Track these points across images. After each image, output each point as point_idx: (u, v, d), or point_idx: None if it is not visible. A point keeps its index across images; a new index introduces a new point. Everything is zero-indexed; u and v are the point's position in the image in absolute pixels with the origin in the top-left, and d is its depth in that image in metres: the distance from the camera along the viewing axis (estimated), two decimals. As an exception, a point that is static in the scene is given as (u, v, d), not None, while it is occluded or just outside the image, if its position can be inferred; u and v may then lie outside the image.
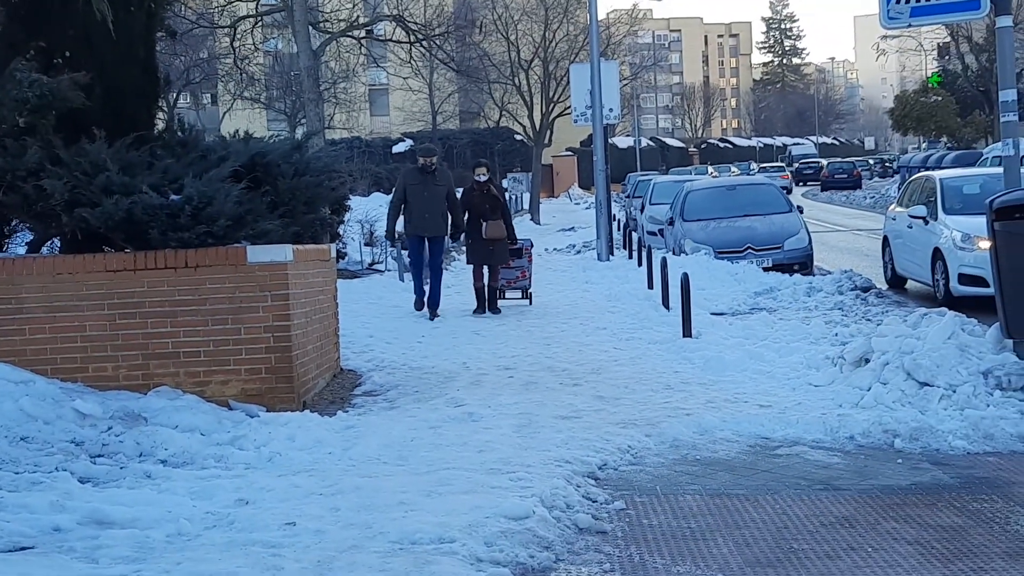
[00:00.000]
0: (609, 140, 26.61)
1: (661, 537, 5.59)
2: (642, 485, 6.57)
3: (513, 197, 49.81)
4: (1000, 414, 7.69)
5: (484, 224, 14.44)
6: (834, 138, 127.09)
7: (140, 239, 8.32)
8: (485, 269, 14.65)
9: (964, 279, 13.68)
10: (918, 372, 8.33)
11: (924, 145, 67.66)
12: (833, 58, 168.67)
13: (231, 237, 8.43)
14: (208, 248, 8.29)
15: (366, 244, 20.24)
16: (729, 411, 8.24)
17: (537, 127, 44.60)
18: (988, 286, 11.02)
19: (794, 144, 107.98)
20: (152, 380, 8.24)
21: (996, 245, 8.48)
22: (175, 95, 36.45)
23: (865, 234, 28.29)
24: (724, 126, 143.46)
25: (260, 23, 30.54)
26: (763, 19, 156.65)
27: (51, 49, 8.81)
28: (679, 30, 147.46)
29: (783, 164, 79.42)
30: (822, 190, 61.55)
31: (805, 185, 68.15)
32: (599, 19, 24.84)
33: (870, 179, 70.22)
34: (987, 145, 43.34)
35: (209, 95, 52.82)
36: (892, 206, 18.28)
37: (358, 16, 30.99)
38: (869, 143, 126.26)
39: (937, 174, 16.93)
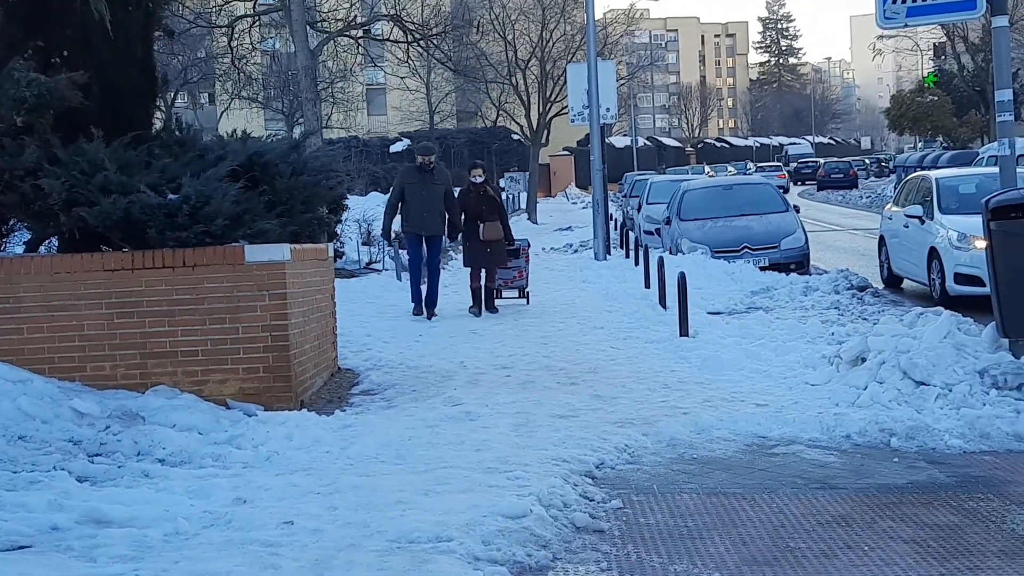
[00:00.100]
0: (606, 140, 26.59)
1: (658, 536, 5.60)
2: (639, 484, 6.59)
3: (510, 197, 49.82)
4: (996, 413, 7.71)
5: (481, 225, 14.43)
6: (830, 138, 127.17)
7: (138, 238, 8.33)
8: (482, 270, 14.65)
9: (960, 278, 13.70)
10: (914, 371, 8.34)
11: (920, 145, 67.69)
12: (829, 58, 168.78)
13: (229, 236, 8.44)
14: (206, 247, 8.30)
15: (364, 243, 20.26)
16: (726, 410, 8.25)
17: (534, 127, 44.60)
18: (984, 285, 11.03)
19: (790, 144, 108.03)
20: (150, 379, 8.24)
21: (992, 244, 8.50)
22: (173, 94, 36.45)
23: (861, 233, 28.31)
24: (721, 126, 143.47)
25: (258, 23, 30.53)
26: (759, 19, 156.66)
27: (49, 48, 8.81)
28: (676, 30, 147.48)
29: (780, 163, 79.50)
30: (818, 189, 61.61)
31: (803, 184, 68.20)
32: (596, 19, 24.86)
33: (866, 179, 70.30)
34: (983, 145, 43.33)
35: (207, 95, 52.80)
36: (888, 206, 18.30)
37: (355, 16, 30.95)
38: (865, 143, 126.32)
39: (933, 174, 16.95)
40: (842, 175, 62.73)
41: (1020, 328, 8.42)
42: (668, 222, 20.36)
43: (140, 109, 9.44)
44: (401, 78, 44.04)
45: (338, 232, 13.70)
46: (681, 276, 11.93)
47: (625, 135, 73.33)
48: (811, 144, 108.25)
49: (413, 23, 29.30)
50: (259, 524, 5.54)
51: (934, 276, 14.44)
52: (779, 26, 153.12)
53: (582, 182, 66.81)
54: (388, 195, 15.29)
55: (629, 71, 62.00)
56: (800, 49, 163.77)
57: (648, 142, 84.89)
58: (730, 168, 70.03)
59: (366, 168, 43.66)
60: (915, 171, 24.18)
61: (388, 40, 31.24)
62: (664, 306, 13.72)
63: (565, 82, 31.91)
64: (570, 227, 36.71)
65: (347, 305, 12.74)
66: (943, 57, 61.87)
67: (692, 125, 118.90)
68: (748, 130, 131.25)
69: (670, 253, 18.44)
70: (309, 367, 9.11)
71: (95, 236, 8.67)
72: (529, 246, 15.78)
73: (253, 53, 34.05)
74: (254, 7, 27.91)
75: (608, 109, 24.57)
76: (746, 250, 17.93)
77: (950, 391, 8.10)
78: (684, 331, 11.62)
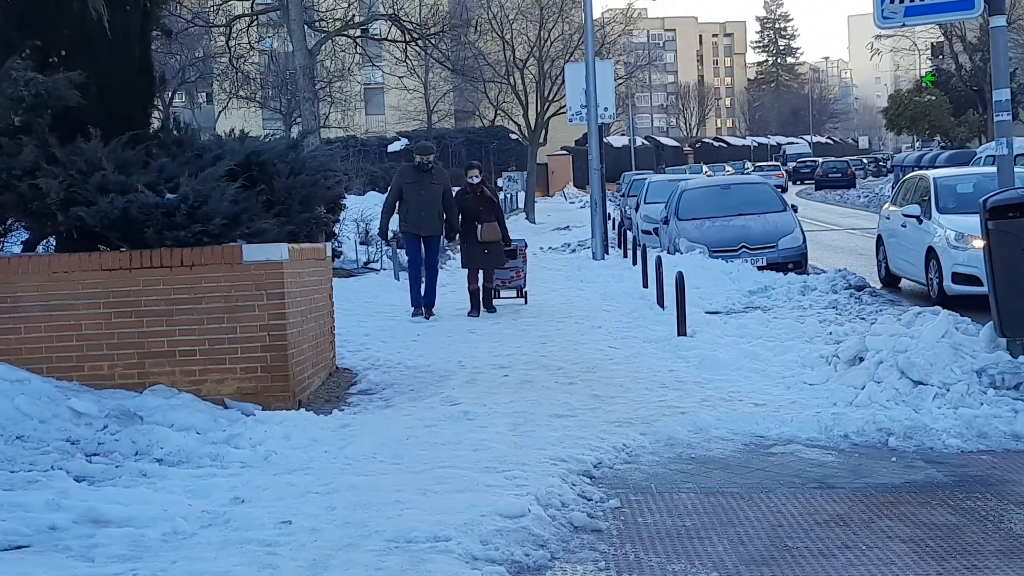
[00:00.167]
0: (604, 139, 26.61)
1: (656, 535, 5.60)
2: (637, 483, 6.59)
3: (508, 196, 49.82)
4: (993, 412, 7.72)
5: (479, 226, 14.37)
6: (828, 137, 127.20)
7: (136, 238, 8.32)
8: (480, 271, 14.62)
9: (958, 278, 13.71)
10: (912, 371, 8.35)
11: (918, 144, 67.70)
12: (827, 57, 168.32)
13: (227, 236, 8.43)
14: (204, 247, 8.30)
15: (362, 243, 20.24)
16: (724, 410, 8.25)
17: (532, 126, 44.60)
18: (982, 285, 11.04)
19: (788, 143, 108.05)
20: (148, 379, 8.24)
21: (990, 244, 8.50)
22: (171, 94, 36.42)
23: (859, 233, 28.32)
24: (719, 125, 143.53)
25: (256, 22, 30.53)
26: (757, 18, 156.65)
27: (47, 48, 8.80)
28: (674, 29, 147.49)
29: (778, 163, 79.56)
30: (816, 189, 61.66)
31: (802, 184, 68.29)
32: (594, 18, 24.89)
33: (864, 178, 70.33)
34: (981, 144, 43.36)
35: (204, 94, 52.75)
36: (886, 205, 18.31)
37: (353, 15, 30.94)
38: (863, 142, 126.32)
39: (931, 173, 16.96)
40: (840, 175, 62.78)
41: (1018, 327, 8.42)
42: (666, 221, 20.37)
43: (138, 108, 9.44)
44: (399, 77, 44.08)
45: (336, 232, 13.71)
46: (679, 275, 11.93)
47: (623, 135, 73.31)
48: (809, 144, 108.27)
49: (411, 23, 29.31)
50: (257, 524, 5.54)
51: (932, 275, 14.45)
52: (777, 26, 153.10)
53: (580, 181, 66.81)
54: (386, 194, 15.25)
55: (627, 71, 62.02)
56: (798, 49, 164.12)
57: (646, 142, 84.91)
58: (728, 168, 70.06)
59: (364, 167, 43.66)
60: (913, 171, 24.19)
61: (386, 40, 31.24)
62: (662, 306, 13.72)
63: (563, 82, 31.93)
64: (568, 227, 36.71)
65: (345, 305, 12.73)
66: (941, 57, 61.86)
67: (690, 125, 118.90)
68: (746, 130, 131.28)
69: (668, 252, 18.45)
70: (307, 367, 9.11)
71: (93, 236, 8.66)
72: (526, 246, 15.74)
73: (251, 52, 34.05)
74: (252, 6, 27.92)
75: (606, 109, 24.56)
76: (744, 250, 17.94)
77: (948, 391, 8.11)
78: (682, 331, 11.62)
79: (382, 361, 10.79)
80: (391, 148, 62.29)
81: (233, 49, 28.78)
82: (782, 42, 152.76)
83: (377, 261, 19.63)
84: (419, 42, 28.94)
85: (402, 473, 6.55)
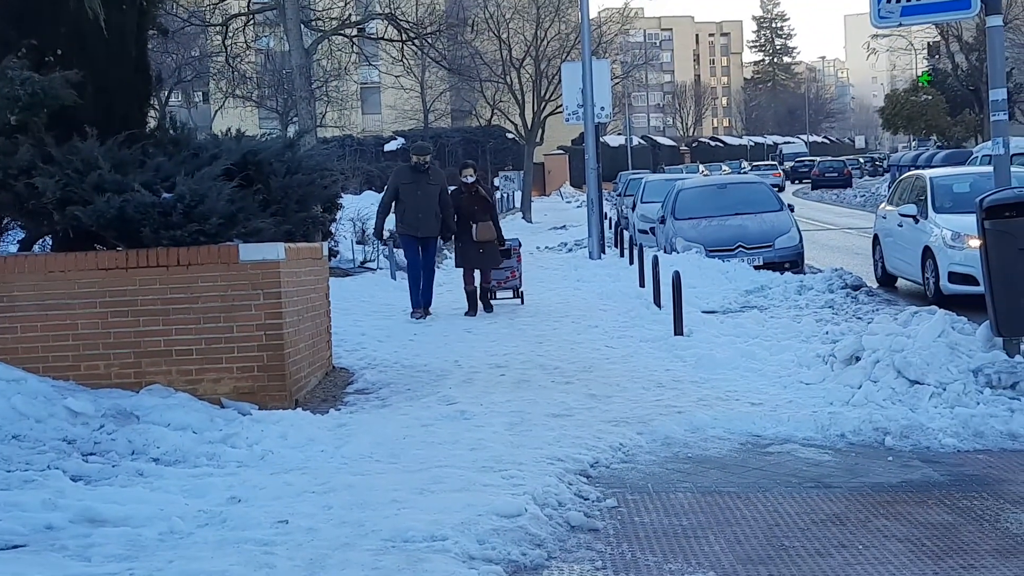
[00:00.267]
0: (600, 138, 26.61)
1: (653, 535, 5.60)
2: (634, 483, 6.59)
3: (505, 196, 49.84)
4: (990, 412, 7.72)
5: (474, 226, 14.33)
6: (825, 137, 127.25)
7: (132, 237, 8.32)
8: (476, 271, 14.60)
9: (954, 277, 13.72)
10: (908, 370, 8.35)
11: (914, 144, 67.77)
12: (824, 57, 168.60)
13: (223, 235, 8.43)
14: (200, 246, 8.29)
15: (358, 242, 20.23)
16: (720, 409, 8.25)
17: (529, 125, 44.62)
18: (978, 284, 11.03)
19: (785, 143, 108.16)
20: (144, 378, 8.24)
21: (986, 243, 8.50)
22: (167, 93, 36.41)
23: (856, 232, 28.34)
24: (715, 125, 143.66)
25: (252, 21, 30.51)
26: (754, 18, 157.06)
27: (43, 47, 8.79)
28: (670, 29, 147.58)
29: (775, 162, 79.65)
30: (813, 188, 61.74)
31: (801, 183, 68.38)
32: (591, 18, 24.88)
33: (860, 178, 70.41)
34: (977, 144, 43.39)
35: (201, 93, 52.73)
36: (882, 205, 18.33)
37: (350, 14, 30.95)
38: (859, 142, 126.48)
39: (927, 173, 16.97)
40: (836, 174, 62.86)
41: (1014, 327, 8.44)
42: (663, 221, 20.37)
43: (134, 108, 9.43)
44: (396, 77, 44.04)
45: (333, 231, 13.70)
46: (676, 275, 11.93)
47: (620, 134, 73.35)
48: (805, 143, 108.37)
49: (408, 22, 29.31)
50: (254, 523, 5.54)
51: (928, 275, 14.46)
52: (773, 25, 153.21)
53: (576, 181, 66.87)
54: (382, 193, 15.22)
55: (624, 70, 62.16)
56: (794, 48, 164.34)
57: (643, 141, 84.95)
58: (724, 167, 70.12)
59: (361, 167, 43.62)
60: (909, 170, 24.20)
61: (383, 39, 31.25)
62: (659, 305, 13.73)
63: (559, 81, 31.88)
64: (565, 226, 36.70)
65: (341, 304, 12.73)
66: (937, 56, 61.94)
67: (687, 124, 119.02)
68: (742, 129, 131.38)
69: (665, 252, 18.45)
70: (304, 366, 9.10)
71: (89, 235, 8.66)
72: (520, 245, 15.69)
73: (247, 52, 34.00)
74: (248, 6, 27.93)
75: (603, 108, 24.55)
76: (740, 249, 17.94)
77: (944, 390, 8.11)
78: (679, 330, 11.63)
79: (379, 360, 10.78)
80: (387, 147, 62.28)
81: (229, 48, 28.77)
82: (779, 42, 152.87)
83: (374, 260, 19.62)
84: (415, 41, 28.95)
85: (399, 472, 6.54)
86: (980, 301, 9.11)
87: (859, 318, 12.69)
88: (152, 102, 10.16)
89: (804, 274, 17.07)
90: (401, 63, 32.11)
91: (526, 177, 46.91)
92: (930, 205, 14.96)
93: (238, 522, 5.57)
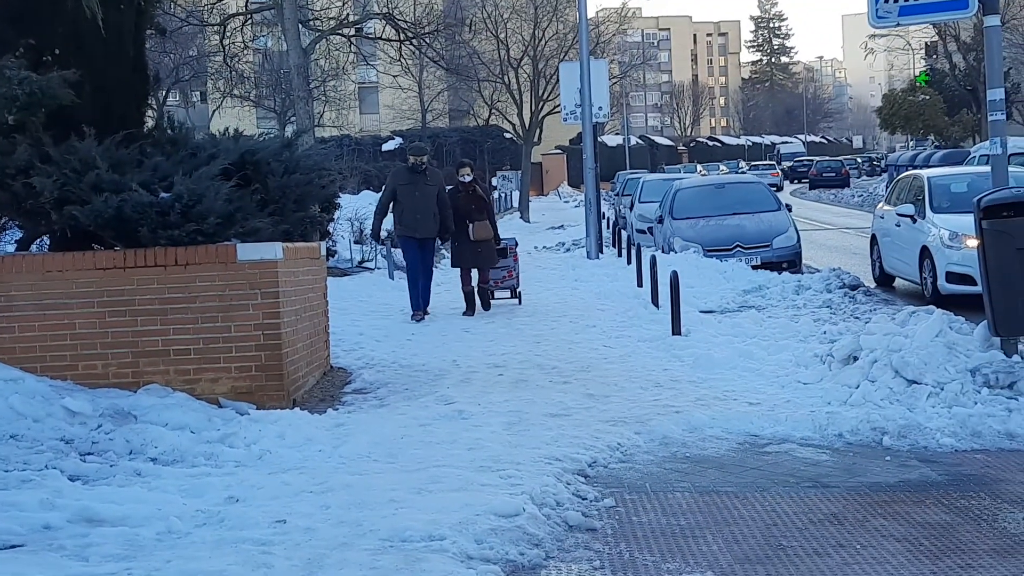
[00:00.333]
0: (598, 138, 26.62)
1: (651, 534, 5.61)
2: (632, 482, 6.59)
3: (503, 195, 49.84)
4: (987, 411, 7.73)
5: (470, 225, 14.30)
6: (822, 136, 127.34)
7: (130, 237, 8.31)
8: (474, 271, 14.57)
9: (952, 277, 13.73)
10: (906, 370, 8.36)
11: (912, 144, 67.82)
12: (821, 57, 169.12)
13: (221, 235, 8.42)
14: (198, 246, 8.29)
15: (356, 242, 20.21)
16: (718, 409, 8.26)
17: (527, 125, 44.61)
18: (976, 284, 11.06)
19: (782, 143, 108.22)
20: (142, 378, 8.23)
21: (984, 243, 8.51)
22: (164, 93, 36.41)
23: (853, 232, 28.35)
24: (713, 124, 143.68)
25: (250, 21, 30.50)
26: (752, 18, 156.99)
27: (40, 47, 8.79)
28: (668, 29, 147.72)
29: (773, 162, 79.74)
30: (810, 188, 61.78)
31: (799, 183, 68.45)
32: (588, 17, 24.87)
33: (858, 177, 70.46)
34: (974, 144, 43.44)
35: (198, 93, 52.73)
36: (880, 204, 18.33)
37: (348, 14, 30.97)
38: (857, 142, 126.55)
39: (925, 172, 16.98)
40: (834, 174, 62.91)
41: (1012, 327, 8.44)
42: (660, 221, 20.37)
43: (132, 107, 9.42)
44: (393, 76, 44.01)
45: (330, 231, 13.69)
46: (673, 275, 11.93)
47: (617, 134, 73.38)
48: (803, 143, 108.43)
49: (405, 22, 29.31)
50: (252, 523, 5.54)
51: (926, 275, 14.46)
52: (771, 25, 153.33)
53: (574, 180, 66.89)
54: (379, 195, 15.19)
55: (621, 70, 62.16)
56: (792, 48, 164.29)
57: (640, 141, 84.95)
58: (722, 167, 70.17)
59: (358, 167, 43.60)
60: (907, 170, 24.21)
61: (380, 39, 31.27)
62: (656, 305, 13.72)
63: (557, 81, 31.87)
64: (562, 226, 36.69)
65: (339, 304, 12.72)
66: (935, 56, 61.99)
67: (684, 124, 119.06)
68: (740, 129, 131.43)
69: (662, 252, 18.45)
70: (301, 366, 9.10)
71: (87, 235, 8.65)
72: (517, 244, 15.62)
73: (245, 51, 34.00)
74: (246, 5, 27.93)
75: (600, 108, 24.55)
76: (738, 249, 17.94)
77: (942, 390, 8.12)
78: (676, 330, 11.63)
79: (376, 360, 10.78)
80: (385, 147, 62.24)
81: (227, 48, 28.78)
82: (776, 41, 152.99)
83: (371, 260, 19.61)
84: (413, 41, 28.95)
85: (397, 472, 6.54)
86: (978, 301, 9.11)
87: (857, 318, 12.70)
88: (150, 102, 10.15)
89: (802, 274, 17.08)
90: (399, 63, 32.10)
91: (524, 177, 46.90)
92: (928, 205, 14.96)
93: (236, 522, 5.57)
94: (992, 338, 8.57)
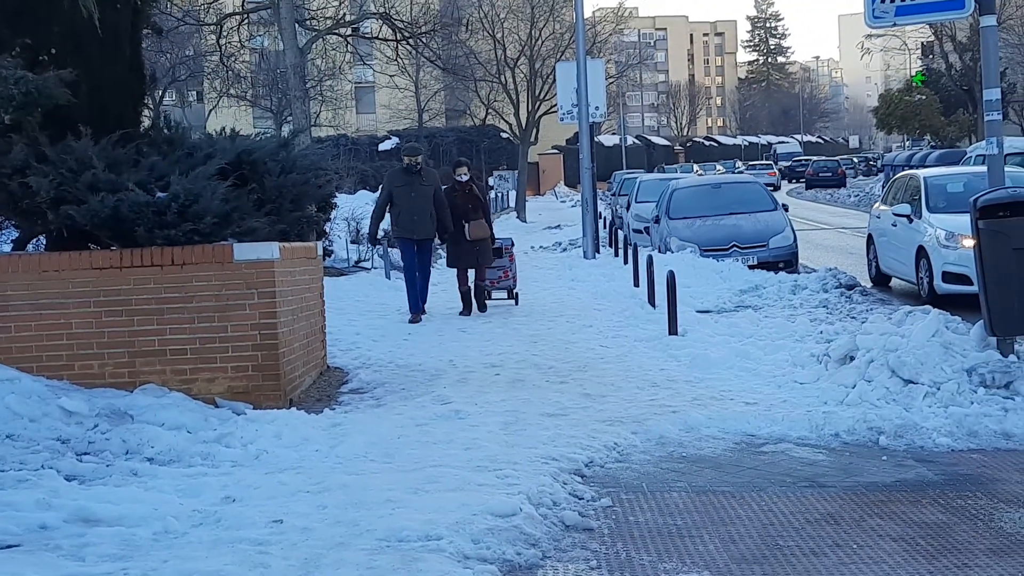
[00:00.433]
0: (595, 138, 26.62)
1: (647, 534, 5.61)
2: (628, 482, 6.59)
3: (499, 195, 49.83)
4: (984, 411, 7.73)
5: (467, 225, 14.28)
6: (819, 136, 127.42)
7: (126, 237, 8.30)
8: (470, 271, 14.55)
9: (948, 277, 13.74)
10: (903, 370, 8.36)
11: (908, 144, 67.87)
12: (818, 57, 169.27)
13: (218, 235, 8.42)
14: (194, 246, 8.28)
15: (352, 242, 20.20)
16: (715, 408, 8.26)
17: (523, 125, 44.63)
18: (972, 284, 11.06)
19: (779, 143, 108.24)
20: (138, 378, 8.23)
21: (980, 243, 8.52)
22: (161, 92, 36.37)
23: (850, 232, 28.37)
24: (709, 124, 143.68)
25: (246, 20, 30.46)
26: (748, 18, 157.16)
27: (37, 46, 8.78)
28: (665, 28, 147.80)
29: (770, 162, 79.83)
30: (807, 188, 61.84)
31: (799, 183, 68.52)
32: (585, 17, 24.86)
33: (854, 177, 70.52)
34: (971, 144, 43.45)
35: (195, 92, 52.66)
36: (876, 204, 18.34)
37: (344, 14, 30.94)
38: (853, 141, 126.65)
39: (921, 172, 17.00)
40: (830, 174, 62.98)
41: (1008, 326, 8.45)
42: (657, 220, 20.38)
43: (128, 107, 9.42)
44: (390, 76, 43.98)
45: (327, 230, 13.67)
46: (670, 274, 11.94)
47: (614, 133, 73.45)
48: (800, 143, 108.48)
49: (402, 21, 29.28)
50: (248, 523, 5.54)
51: (922, 275, 14.48)
52: (768, 25, 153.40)
53: (571, 180, 66.93)
54: (377, 196, 15.14)
55: (618, 69, 62.09)
56: (789, 48, 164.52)
57: (637, 141, 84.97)
58: (719, 167, 70.20)
59: (355, 166, 43.57)
60: (903, 170, 24.22)
61: (377, 38, 31.24)
62: (653, 304, 13.73)
63: (554, 80, 31.89)
64: (559, 225, 36.72)
65: (336, 303, 12.72)
66: (931, 56, 62.01)
67: (681, 124, 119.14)
68: (737, 129, 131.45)
69: (659, 251, 18.45)
70: (298, 365, 9.10)
71: (83, 234, 8.65)
72: (513, 244, 15.58)
73: (242, 51, 33.97)
74: (243, 5, 27.92)
75: (597, 108, 24.57)
76: (735, 248, 17.95)
77: (938, 389, 8.12)
78: (673, 329, 11.63)
79: (373, 360, 10.78)
80: (382, 147, 62.25)
81: (224, 47, 28.75)
82: (773, 41, 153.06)
83: (368, 260, 19.60)
84: (410, 41, 28.93)
85: (393, 472, 6.54)
86: (974, 301, 9.12)
87: (853, 318, 12.71)
88: (146, 101, 10.15)
89: (798, 274, 17.09)
90: (395, 63, 32.05)
91: (520, 176, 46.92)
92: (924, 205, 14.97)
93: (233, 522, 5.57)
94: (988, 338, 8.57)
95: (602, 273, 19.26)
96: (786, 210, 19.67)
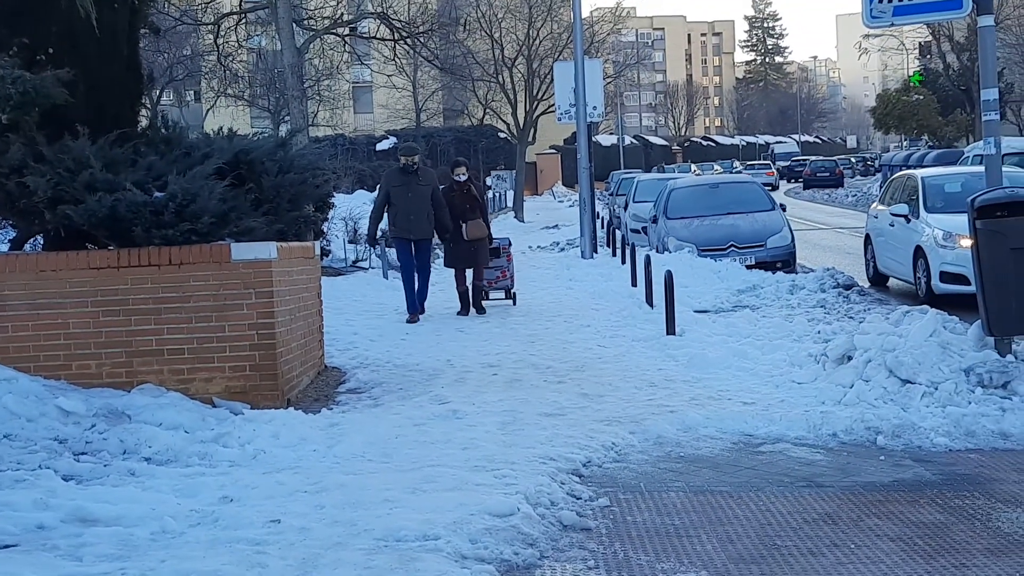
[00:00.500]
0: (593, 138, 26.59)
1: (645, 534, 5.61)
2: (626, 482, 6.59)
3: (497, 195, 49.83)
4: (981, 411, 7.74)
5: (464, 225, 14.27)
6: (816, 136, 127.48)
7: (124, 236, 8.30)
8: (468, 271, 14.54)
9: (946, 277, 13.74)
10: (900, 369, 8.37)
11: (905, 144, 67.94)
12: (815, 57, 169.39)
13: (215, 234, 8.41)
14: (192, 245, 8.28)
15: (350, 242, 20.21)
16: (713, 408, 8.26)
17: (521, 125, 44.61)
18: (970, 284, 11.07)
19: (777, 142, 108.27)
20: (136, 377, 8.22)
21: (978, 243, 8.53)
22: (158, 92, 36.37)
23: (847, 232, 28.38)
24: (707, 124, 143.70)
25: (244, 20, 30.42)
26: (746, 18, 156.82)
27: (34, 46, 8.77)
28: (662, 28, 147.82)
29: (768, 162, 79.90)
30: (804, 188, 61.85)
31: (797, 182, 68.57)
32: (583, 17, 24.87)
33: (852, 177, 70.56)
34: (968, 144, 43.49)
35: (192, 92, 52.64)
36: (874, 204, 18.35)
37: (342, 13, 30.89)
38: (851, 141, 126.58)
39: (919, 172, 17.00)
40: (828, 174, 62.99)
41: (1006, 326, 8.46)
42: (655, 220, 20.38)
43: (126, 106, 9.41)
44: (388, 76, 43.91)
45: (324, 230, 13.64)
46: (668, 274, 11.94)
47: (612, 133, 73.42)
48: (797, 143, 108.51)
49: (400, 21, 29.25)
50: (246, 522, 5.53)
51: (920, 275, 14.48)
52: (765, 25, 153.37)
53: (569, 180, 66.89)
54: (375, 197, 15.13)
55: (616, 69, 62.14)
56: (786, 48, 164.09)
57: (635, 140, 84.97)
58: (716, 167, 70.22)
59: (353, 166, 43.60)
60: (901, 170, 24.25)
61: (375, 38, 31.20)
62: (651, 304, 13.73)
63: (552, 80, 31.92)
64: (557, 225, 36.72)
65: (333, 303, 12.71)
66: (928, 56, 62.05)
67: (679, 124, 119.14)
68: (734, 129, 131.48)
69: (657, 251, 18.45)
70: (296, 365, 9.09)
71: (81, 234, 8.64)
72: (510, 244, 15.57)
73: (239, 51, 33.96)
74: (240, 4, 27.87)
75: (595, 107, 24.56)
76: (732, 248, 17.96)
77: (936, 389, 8.13)
78: (671, 329, 11.63)
79: (371, 360, 10.78)
80: (379, 146, 62.21)
81: (221, 47, 28.70)
82: (770, 41, 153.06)
83: (366, 260, 19.60)
84: (408, 40, 28.90)
85: (391, 472, 6.54)
86: (971, 301, 9.13)
87: (851, 317, 12.71)
88: (144, 101, 10.15)
89: (796, 273, 17.10)
90: (393, 62, 32.00)
91: (518, 176, 46.91)
92: (922, 205, 14.98)
93: (230, 521, 5.57)
94: (986, 338, 8.58)
95: (600, 273, 19.26)
96: (784, 210, 19.67)
